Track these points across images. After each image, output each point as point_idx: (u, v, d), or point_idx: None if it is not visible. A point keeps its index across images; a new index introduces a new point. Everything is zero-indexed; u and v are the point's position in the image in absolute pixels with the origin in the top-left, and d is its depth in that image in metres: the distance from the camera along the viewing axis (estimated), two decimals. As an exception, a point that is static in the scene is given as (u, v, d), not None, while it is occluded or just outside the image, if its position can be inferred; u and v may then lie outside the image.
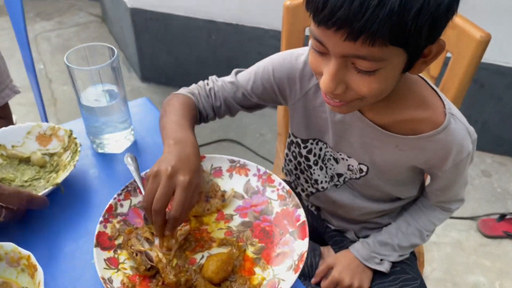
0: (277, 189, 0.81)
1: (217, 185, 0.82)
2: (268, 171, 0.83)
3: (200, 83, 0.90)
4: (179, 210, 0.65)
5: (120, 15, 2.58)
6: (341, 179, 0.90)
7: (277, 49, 0.98)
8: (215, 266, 0.67)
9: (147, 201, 0.66)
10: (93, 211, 0.79)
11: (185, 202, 0.65)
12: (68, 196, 0.82)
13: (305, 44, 0.90)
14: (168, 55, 2.48)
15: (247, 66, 0.89)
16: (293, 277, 0.67)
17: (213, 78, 0.90)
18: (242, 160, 0.84)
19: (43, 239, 0.75)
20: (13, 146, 0.86)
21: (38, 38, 3.05)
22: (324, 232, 1.06)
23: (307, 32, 0.99)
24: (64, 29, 3.17)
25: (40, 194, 0.73)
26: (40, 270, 0.62)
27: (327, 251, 1.03)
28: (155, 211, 0.65)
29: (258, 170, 0.83)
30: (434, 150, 0.75)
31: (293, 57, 0.82)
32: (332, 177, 0.91)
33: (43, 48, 2.96)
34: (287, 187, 0.80)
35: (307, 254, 1.02)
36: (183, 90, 0.88)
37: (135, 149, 0.93)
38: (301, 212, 0.76)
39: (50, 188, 0.76)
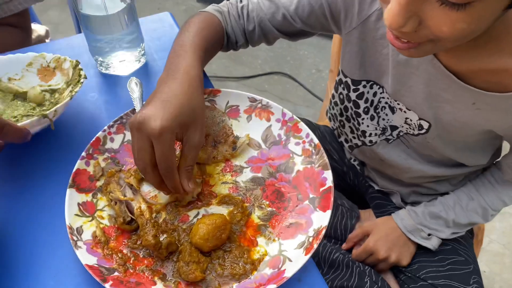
0: (303, 142, 0.64)
1: (230, 128, 0.67)
2: (295, 117, 0.66)
3: None
4: (162, 166, 0.54)
5: None
6: (395, 133, 0.75)
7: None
8: (206, 231, 0.53)
9: (133, 158, 0.57)
10: (81, 143, 0.65)
11: (165, 155, 0.53)
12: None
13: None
14: (227, -27, 2.28)
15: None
16: (302, 258, 0.52)
17: None
18: (265, 100, 0.68)
19: (7, 175, 0.63)
20: (9, 79, 0.72)
21: None
22: (365, 192, 0.95)
23: None
24: None
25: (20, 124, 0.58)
26: None
27: (368, 215, 0.92)
28: (139, 170, 0.56)
29: (284, 114, 0.67)
30: None
31: None
32: (384, 130, 0.76)
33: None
34: (316, 141, 0.63)
35: (343, 215, 0.85)
36: (211, 7, 0.75)
37: (145, 73, 0.78)
38: (328, 175, 0.59)
39: (34, 118, 0.59)
